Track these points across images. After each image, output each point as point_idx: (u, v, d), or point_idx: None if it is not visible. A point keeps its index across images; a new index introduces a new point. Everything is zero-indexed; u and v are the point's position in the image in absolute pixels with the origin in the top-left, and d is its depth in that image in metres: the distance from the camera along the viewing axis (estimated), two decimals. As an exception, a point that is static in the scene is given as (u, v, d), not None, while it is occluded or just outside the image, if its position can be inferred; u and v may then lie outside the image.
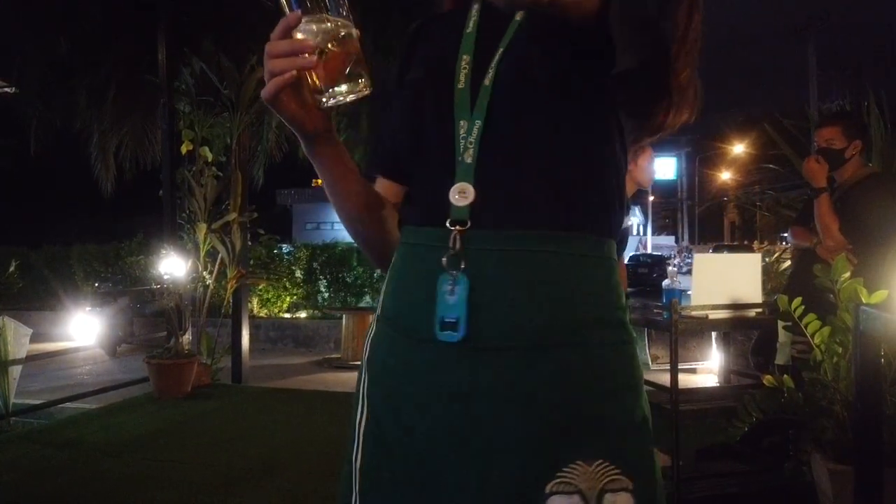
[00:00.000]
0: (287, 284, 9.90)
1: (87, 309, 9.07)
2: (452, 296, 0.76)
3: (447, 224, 0.78)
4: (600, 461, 0.71)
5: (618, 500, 0.70)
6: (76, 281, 10.95)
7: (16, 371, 4.20)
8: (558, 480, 0.70)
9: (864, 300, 1.98)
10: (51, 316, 10.03)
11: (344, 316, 7.59)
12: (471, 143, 0.80)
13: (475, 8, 0.88)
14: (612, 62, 0.69)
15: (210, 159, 5.45)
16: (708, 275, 2.58)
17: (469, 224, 0.77)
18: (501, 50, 0.82)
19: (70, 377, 6.77)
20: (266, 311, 9.85)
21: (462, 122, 0.81)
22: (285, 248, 10.59)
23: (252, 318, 7.58)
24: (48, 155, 9.01)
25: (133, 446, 3.76)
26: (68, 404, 4.97)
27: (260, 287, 9.39)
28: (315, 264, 10.17)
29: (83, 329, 8.99)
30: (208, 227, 5.37)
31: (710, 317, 2.54)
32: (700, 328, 2.63)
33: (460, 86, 0.83)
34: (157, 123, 7.61)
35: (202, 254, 5.44)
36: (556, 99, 0.80)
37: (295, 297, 9.99)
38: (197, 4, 6.35)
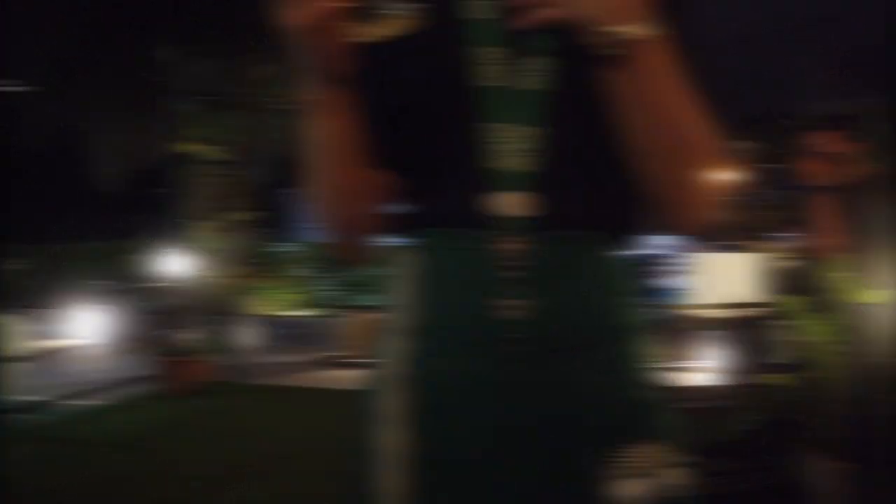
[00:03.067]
0: (290, 282, 9.92)
1: (90, 307, 9.09)
2: (512, 303, 0.75)
3: (492, 229, 0.76)
4: (653, 443, 0.77)
5: (674, 474, 0.78)
6: (79, 278, 10.97)
7: (18, 368, 4.21)
8: (624, 466, 0.76)
9: (861, 300, 1.99)
10: (54, 313, 10.05)
11: (346, 314, 7.59)
12: (516, 149, 0.77)
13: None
14: None
15: (213, 158, 5.47)
16: (708, 274, 2.59)
17: (517, 229, 0.76)
18: (542, 56, 0.78)
19: (72, 374, 6.79)
20: (268, 308, 9.87)
21: (501, 126, 0.77)
22: (287, 245, 10.61)
23: (254, 315, 7.60)
24: (50, 152, 9.03)
25: (136, 443, 3.77)
26: (71, 401, 5.00)
27: (263, 285, 9.40)
28: (319, 263, 10.19)
29: (86, 327, 9.02)
30: (211, 225, 5.38)
31: (710, 315, 2.55)
32: (700, 327, 2.65)
33: (489, 82, 0.77)
34: (159, 122, 7.63)
35: (205, 252, 5.46)
36: (601, 99, 0.76)
37: (297, 295, 10.01)
38: (200, 2, 6.36)
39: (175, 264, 5.37)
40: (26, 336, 4.29)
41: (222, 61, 5.47)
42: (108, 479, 3.17)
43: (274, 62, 6.45)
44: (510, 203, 0.76)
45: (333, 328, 8.72)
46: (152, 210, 7.23)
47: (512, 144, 0.77)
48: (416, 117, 0.81)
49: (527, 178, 0.77)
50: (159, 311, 8.72)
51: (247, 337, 5.81)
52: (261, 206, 6.04)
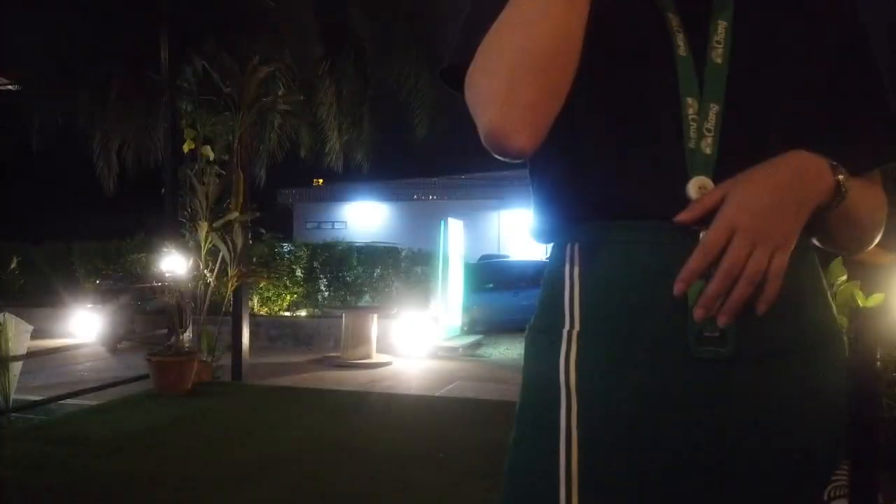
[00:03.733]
0: (287, 283, 9.92)
1: (88, 306, 9.09)
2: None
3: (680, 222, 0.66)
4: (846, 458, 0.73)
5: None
6: (77, 278, 10.97)
7: (16, 367, 4.21)
8: (834, 484, 0.70)
9: (860, 303, 1.99)
10: (52, 312, 10.04)
11: (344, 315, 7.60)
12: (708, 129, 0.68)
13: None
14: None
15: (212, 158, 5.47)
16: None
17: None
18: (726, 23, 0.71)
19: (70, 374, 6.78)
20: (266, 309, 9.87)
21: (690, 100, 0.69)
22: (286, 246, 10.62)
23: (252, 316, 7.60)
24: (50, 152, 9.04)
25: (133, 443, 3.77)
26: (68, 401, 4.99)
27: (260, 285, 9.41)
28: (315, 263, 10.19)
29: (84, 326, 9.01)
30: (210, 225, 5.38)
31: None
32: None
33: (682, 53, 0.70)
34: (159, 121, 7.64)
35: (203, 252, 5.45)
36: (806, 77, 0.72)
37: (295, 296, 10.01)
38: (200, 3, 6.37)
39: (173, 264, 5.37)
40: (25, 335, 4.29)
41: (224, 60, 5.47)
42: (105, 478, 3.17)
43: (275, 62, 6.46)
44: (699, 188, 0.68)
45: (331, 330, 8.73)
46: (151, 209, 7.23)
47: (705, 123, 0.69)
48: (610, 86, 0.71)
49: (720, 163, 0.68)
50: (157, 311, 8.71)
51: (245, 337, 5.81)
52: (260, 207, 6.04)
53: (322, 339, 8.97)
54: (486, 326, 10.98)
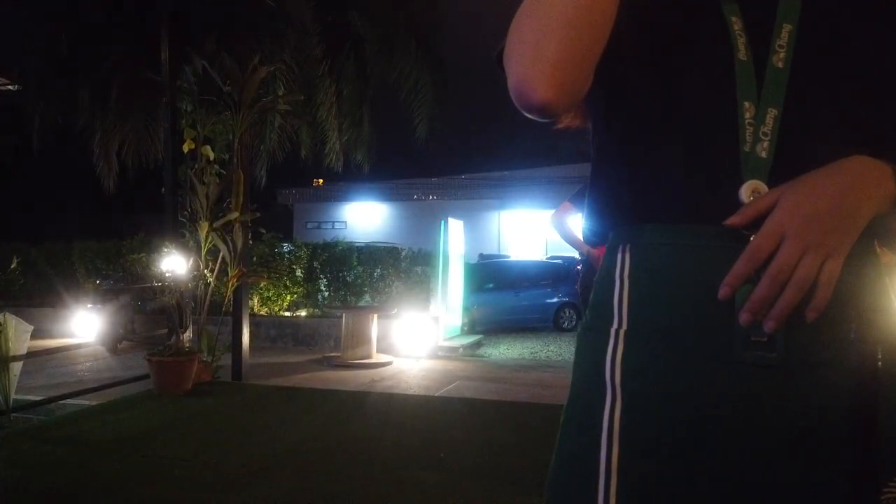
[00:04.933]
0: (287, 283, 9.92)
1: (88, 306, 9.09)
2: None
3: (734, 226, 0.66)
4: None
5: None
6: (77, 278, 10.97)
7: (16, 367, 4.21)
8: (886, 497, 0.66)
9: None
10: (52, 312, 10.05)
11: (344, 315, 7.60)
12: (765, 133, 0.68)
13: None
14: None
15: (212, 158, 5.47)
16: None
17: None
18: (791, 27, 0.70)
19: (70, 374, 6.78)
20: (266, 309, 9.87)
21: (747, 104, 0.69)
22: (286, 246, 10.62)
23: (252, 316, 7.60)
24: (50, 151, 9.05)
25: (133, 443, 3.77)
26: (69, 400, 5.00)
27: (261, 285, 9.41)
28: (315, 263, 10.19)
29: (84, 326, 9.01)
30: (210, 225, 5.38)
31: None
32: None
33: (742, 57, 0.70)
34: (159, 121, 7.64)
35: (203, 252, 5.45)
36: (873, 84, 0.70)
37: (295, 296, 10.01)
38: (200, 3, 6.37)
39: (173, 264, 5.37)
40: (25, 335, 4.29)
41: (224, 60, 5.47)
42: (106, 478, 3.17)
43: (275, 62, 6.47)
44: (754, 192, 0.67)
45: (331, 330, 8.73)
46: (151, 209, 7.23)
47: (761, 126, 0.68)
48: (664, 79, 0.71)
49: (776, 169, 0.68)
50: (157, 311, 8.71)
51: (245, 337, 5.81)
52: (260, 207, 6.04)
53: (322, 339, 8.97)
54: (487, 326, 10.99)
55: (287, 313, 9.86)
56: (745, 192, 0.67)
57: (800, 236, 0.62)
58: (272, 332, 9.16)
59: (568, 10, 0.65)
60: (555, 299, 11.96)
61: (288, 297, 9.94)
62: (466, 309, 10.25)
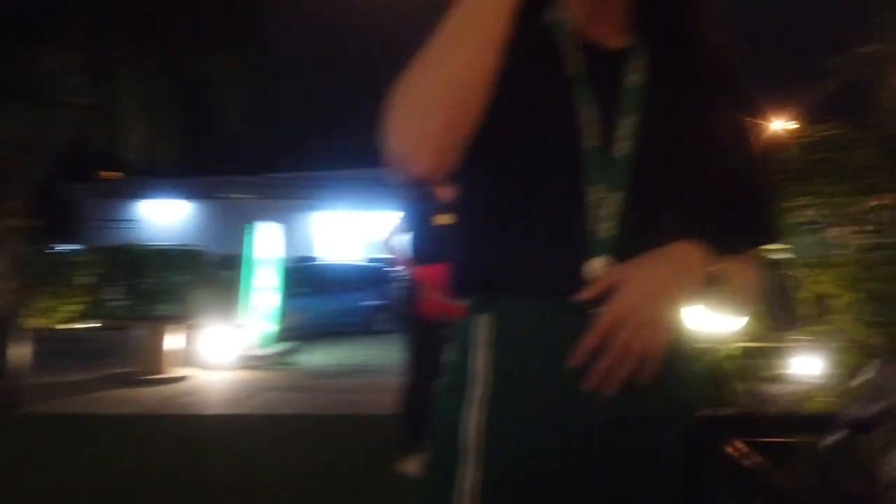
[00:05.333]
0: (72, 291, 8.88)
1: None
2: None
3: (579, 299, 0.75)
4: None
5: None
6: None
7: None
8: None
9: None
10: None
11: (139, 326, 6.99)
12: (609, 215, 0.77)
13: (570, 43, 0.81)
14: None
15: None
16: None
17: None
18: (634, 119, 0.79)
19: None
20: (47, 321, 8.75)
21: (594, 189, 0.77)
22: (70, 249, 9.50)
23: (30, 330, 6.69)
24: None
25: None
26: None
27: (38, 297, 8.32)
28: (106, 268, 9.24)
29: None
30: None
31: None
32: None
33: (590, 144, 0.78)
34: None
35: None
36: (697, 172, 0.81)
37: (83, 306, 8.99)
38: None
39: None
40: None
41: (8, 50, 4.75)
42: None
43: (64, 52, 5.74)
44: (598, 269, 0.76)
45: (124, 342, 7.96)
46: None
47: (605, 209, 0.77)
48: (517, 160, 0.77)
49: (617, 247, 0.76)
50: None
51: (21, 355, 5.09)
52: (39, 208, 5.33)
53: (114, 354, 8.13)
54: (302, 332, 10.71)
55: (73, 325, 8.83)
56: (591, 270, 0.76)
57: (638, 314, 0.74)
58: (56, 348, 8.12)
59: (450, 92, 0.71)
60: (367, 302, 11.98)
61: (73, 308, 8.90)
62: (280, 315, 9.92)
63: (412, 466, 3.42)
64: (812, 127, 2.14)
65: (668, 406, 0.79)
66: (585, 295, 0.74)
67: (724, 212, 0.84)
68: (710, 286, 0.80)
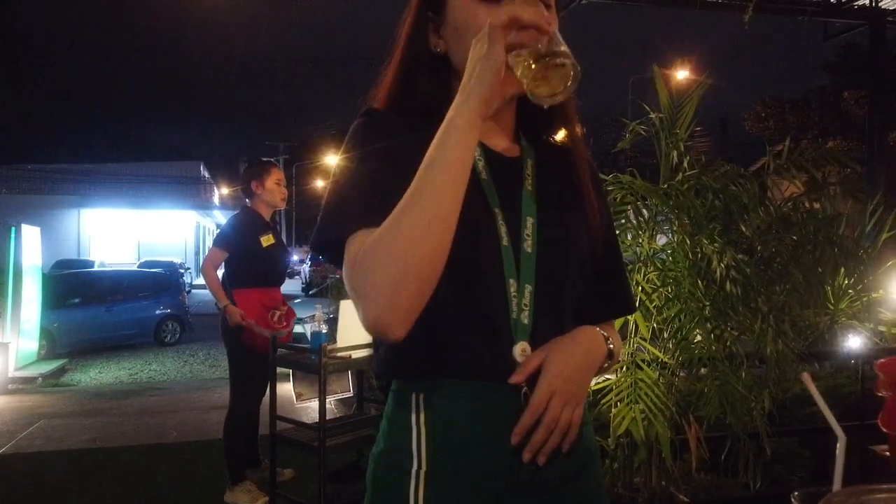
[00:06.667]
0: None
1: None
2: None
3: (505, 377, 0.85)
4: None
5: None
6: None
7: None
8: None
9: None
10: None
11: None
12: (525, 304, 0.87)
13: (480, 152, 0.91)
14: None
15: None
16: (349, 318, 2.77)
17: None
18: (533, 220, 0.91)
19: None
20: None
21: (511, 281, 0.87)
22: None
23: None
24: None
25: None
26: None
27: None
28: None
29: None
30: None
31: (354, 356, 2.73)
32: (345, 367, 2.81)
33: (504, 243, 0.88)
34: None
35: None
36: (583, 262, 0.94)
37: None
38: None
39: None
40: None
41: None
42: None
43: None
44: (521, 353, 0.86)
45: None
46: None
47: (521, 299, 0.87)
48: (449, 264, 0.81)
49: (535, 331, 0.87)
50: None
51: None
52: None
53: None
54: (72, 348, 9.58)
55: None
56: (517, 353, 0.87)
57: (562, 394, 0.86)
58: None
59: (422, 266, 0.76)
60: (156, 311, 11.06)
61: None
62: (44, 329, 8.77)
63: (243, 497, 3.31)
64: (611, 179, 2.50)
65: (590, 468, 0.95)
66: (517, 378, 0.85)
67: (599, 288, 0.99)
68: (610, 361, 0.97)
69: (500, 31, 0.77)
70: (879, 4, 7.04)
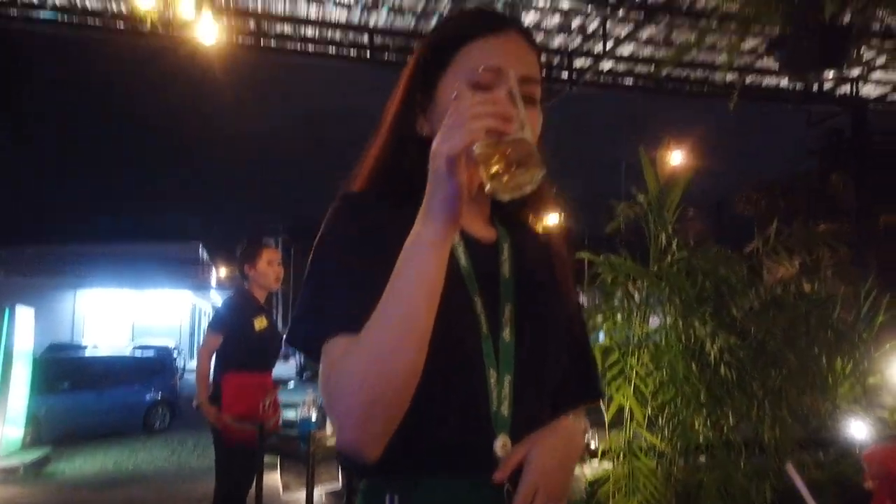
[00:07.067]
0: None
1: None
2: None
3: (488, 470, 0.82)
4: None
5: None
6: None
7: None
8: None
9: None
10: None
11: None
12: (504, 395, 0.84)
13: (458, 239, 0.88)
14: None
15: None
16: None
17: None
18: (511, 306, 0.88)
19: None
20: None
21: (491, 371, 0.84)
22: None
23: None
24: None
25: None
26: None
27: None
28: None
29: None
30: None
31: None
32: (335, 455, 2.72)
33: (484, 331, 0.85)
34: None
35: None
36: (559, 348, 0.92)
37: None
38: None
39: None
40: None
41: None
42: None
43: None
44: (504, 448, 0.83)
45: None
46: None
47: (502, 390, 0.84)
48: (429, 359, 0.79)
49: (514, 423, 0.84)
50: None
51: None
52: None
53: None
54: (59, 435, 9.29)
55: None
56: (497, 448, 0.83)
57: (546, 488, 0.84)
58: None
59: (395, 388, 0.75)
60: (146, 397, 10.81)
61: None
62: (31, 415, 8.54)
63: None
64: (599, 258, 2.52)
65: None
66: (500, 475, 0.82)
67: (571, 374, 0.96)
68: (587, 450, 0.98)
69: (458, 163, 0.73)
70: (859, 94, 7.30)
